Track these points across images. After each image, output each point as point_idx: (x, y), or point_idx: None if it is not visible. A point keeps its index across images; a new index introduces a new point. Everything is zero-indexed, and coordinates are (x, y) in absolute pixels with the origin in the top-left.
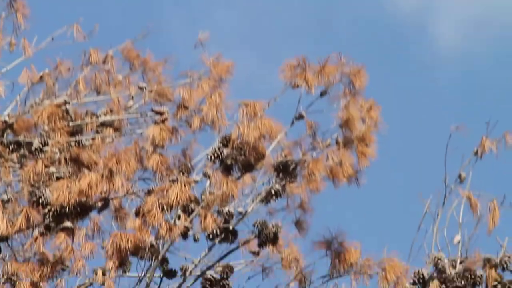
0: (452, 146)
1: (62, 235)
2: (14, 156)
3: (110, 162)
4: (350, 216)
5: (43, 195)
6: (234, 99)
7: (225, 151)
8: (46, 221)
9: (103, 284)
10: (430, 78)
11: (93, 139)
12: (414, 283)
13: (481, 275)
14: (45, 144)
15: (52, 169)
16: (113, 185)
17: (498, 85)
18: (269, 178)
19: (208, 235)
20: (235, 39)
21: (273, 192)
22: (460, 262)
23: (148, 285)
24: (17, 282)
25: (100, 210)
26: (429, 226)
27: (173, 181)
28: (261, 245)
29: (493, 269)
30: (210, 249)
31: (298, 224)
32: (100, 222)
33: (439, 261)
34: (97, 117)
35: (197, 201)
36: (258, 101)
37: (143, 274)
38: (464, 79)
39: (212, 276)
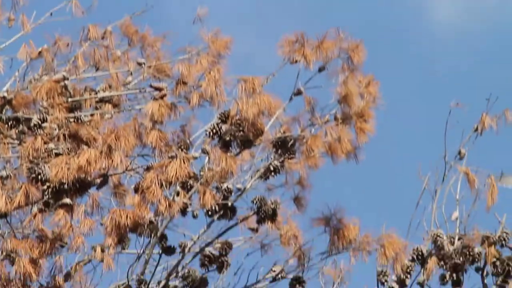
0: (452, 123)
1: (61, 212)
2: (13, 132)
3: (109, 138)
4: (348, 192)
5: (42, 171)
6: (232, 75)
7: (224, 127)
8: (45, 198)
9: (102, 261)
10: (429, 53)
11: (92, 115)
12: (412, 259)
13: (479, 252)
14: (44, 120)
15: (51, 145)
16: (112, 161)
17: (498, 63)
18: (267, 154)
19: (207, 211)
20: (234, 15)
21: (271, 168)
22: (459, 239)
23: (147, 261)
24: (16, 259)
25: (99, 186)
26: (428, 202)
27: (172, 157)
28: (260, 221)
29: (492, 246)
30: (209, 225)
31: (297, 200)
32: (99, 199)
33: (437, 238)
34: (96, 93)
35: (196, 178)
36: (257, 77)
37: (142, 251)
38: (464, 55)
39: (211, 253)
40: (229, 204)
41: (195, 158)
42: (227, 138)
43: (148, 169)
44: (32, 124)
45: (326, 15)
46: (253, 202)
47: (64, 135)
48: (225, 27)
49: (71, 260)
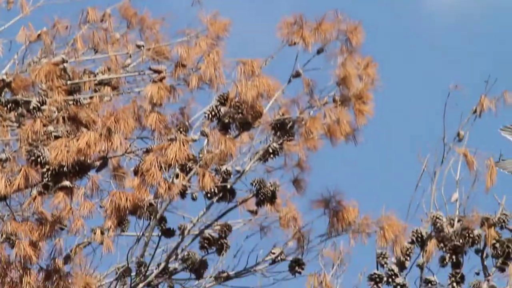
0: (451, 105)
1: (60, 195)
2: (12, 115)
3: (109, 121)
4: (348, 174)
5: (41, 154)
6: (231, 57)
7: (223, 110)
8: (45, 180)
9: (101, 243)
10: (428, 35)
11: (91, 97)
12: (412, 242)
13: (479, 234)
14: (43, 103)
15: (50, 128)
16: (111, 144)
17: (497, 44)
18: (266, 137)
19: (206, 194)
20: None
21: (270, 150)
22: (458, 221)
23: (146, 244)
24: (16, 242)
25: (99, 169)
26: (427, 184)
27: (171, 140)
28: (259, 203)
29: (491, 228)
30: (208, 208)
31: (296, 182)
32: (99, 181)
33: (437, 220)
34: (95, 75)
35: (195, 160)
36: (256, 60)
37: (141, 233)
38: (462, 36)
39: (210, 235)
40: (228, 186)
41: (194, 140)
42: (226, 121)
43: (147, 151)
44: (31, 107)
45: None
46: (252, 184)
47: (63, 117)
48: (224, 9)
49: (71, 242)
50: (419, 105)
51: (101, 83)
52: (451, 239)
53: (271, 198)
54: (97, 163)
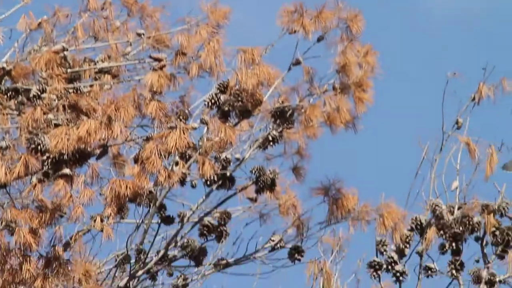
0: (450, 92)
1: (60, 182)
2: (12, 103)
3: (109, 109)
4: (347, 162)
5: (41, 142)
6: (231, 45)
7: (223, 98)
8: (45, 168)
9: (101, 230)
10: (427, 23)
11: (91, 86)
12: (411, 229)
13: (479, 222)
14: (43, 91)
15: (51, 116)
16: (111, 132)
17: (495, 31)
18: (266, 124)
19: (206, 181)
20: None
21: (270, 138)
22: (458, 209)
23: (145, 231)
24: (16, 229)
25: (99, 157)
26: (426, 172)
27: (171, 128)
28: (258, 191)
29: (491, 215)
30: (207, 195)
31: (296, 170)
32: (99, 169)
33: (436, 207)
34: (95, 63)
35: (194, 148)
36: (256, 48)
37: (140, 221)
38: (461, 25)
39: (210, 223)
40: (228, 174)
41: (194, 128)
42: (226, 109)
43: (147, 139)
44: (31, 95)
45: None
46: (252, 172)
47: (63, 105)
48: None
49: (70, 230)
50: (419, 93)
51: (101, 71)
52: (450, 227)
53: (271, 186)
54: (97, 151)
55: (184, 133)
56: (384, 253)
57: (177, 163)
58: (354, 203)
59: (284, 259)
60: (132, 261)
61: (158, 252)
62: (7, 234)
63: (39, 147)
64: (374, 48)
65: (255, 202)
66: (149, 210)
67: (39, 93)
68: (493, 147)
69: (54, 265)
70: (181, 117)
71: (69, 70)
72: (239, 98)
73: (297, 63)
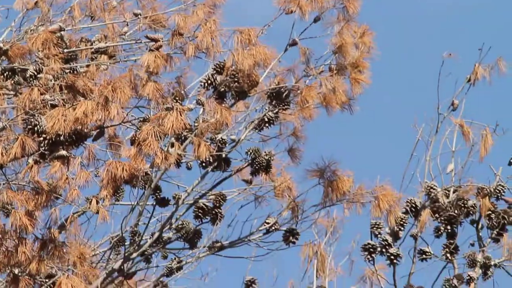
0: (445, 73)
1: (57, 164)
2: (9, 83)
3: (106, 90)
4: (343, 144)
5: (38, 123)
6: (228, 26)
7: (219, 78)
8: (41, 150)
9: (96, 212)
10: (424, 4)
11: (87, 66)
12: (406, 212)
13: (474, 205)
14: (40, 71)
15: (47, 96)
16: (108, 113)
17: (491, 12)
18: (262, 105)
19: (201, 163)
20: None
21: (266, 119)
22: (453, 191)
23: (140, 213)
24: (12, 211)
25: (95, 138)
26: (422, 154)
27: (167, 109)
28: (253, 173)
29: (486, 198)
30: (203, 177)
31: (291, 152)
32: (95, 151)
33: (431, 190)
34: (92, 43)
35: (190, 129)
36: (252, 28)
37: (135, 203)
38: (458, 7)
39: (205, 205)
40: (223, 155)
41: (190, 109)
42: (222, 89)
43: (144, 121)
44: (27, 75)
45: None
46: (247, 154)
47: (60, 86)
48: None
49: (66, 212)
50: (415, 73)
51: (98, 51)
52: (446, 210)
53: (266, 168)
54: (94, 133)
55: (181, 115)
56: (379, 235)
57: (172, 145)
58: (349, 185)
59: (278, 242)
60: (127, 243)
61: (152, 234)
62: (3, 216)
63: (35, 128)
64: (371, 29)
65: (250, 184)
66: (144, 192)
67: (35, 73)
68: (487, 129)
69: (49, 247)
70: (177, 98)
71: (65, 50)
72: (235, 79)
73: (294, 43)
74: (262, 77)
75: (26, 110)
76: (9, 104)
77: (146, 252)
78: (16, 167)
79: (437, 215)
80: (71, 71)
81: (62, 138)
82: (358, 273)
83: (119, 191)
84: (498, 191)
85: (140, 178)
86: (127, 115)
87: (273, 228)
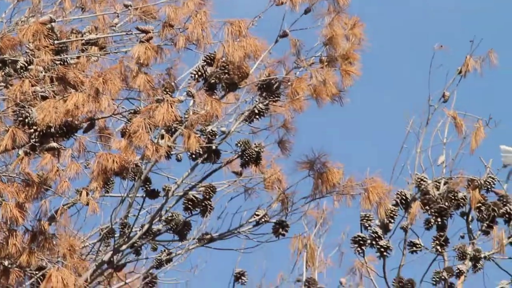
0: (436, 65)
1: (47, 156)
2: None
3: (97, 82)
4: (333, 136)
5: (29, 114)
6: (218, 17)
7: (209, 70)
8: (32, 141)
9: (86, 204)
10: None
11: (78, 57)
12: (396, 204)
13: (464, 197)
14: (30, 62)
15: (38, 88)
16: (99, 105)
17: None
18: (252, 97)
19: (191, 154)
20: None
21: (256, 111)
22: (444, 183)
23: (130, 205)
24: (2, 203)
25: (86, 130)
26: (413, 146)
27: (158, 101)
28: (243, 165)
29: (477, 190)
30: (192, 169)
31: (281, 143)
32: (86, 143)
33: (422, 182)
34: (82, 35)
35: (180, 121)
36: (243, 20)
37: (125, 194)
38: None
39: (195, 197)
40: (213, 147)
41: (180, 101)
42: (212, 81)
43: (134, 113)
44: (18, 67)
45: None
46: (237, 145)
47: (51, 77)
48: None
49: (56, 204)
50: (405, 65)
51: (89, 42)
52: (436, 202)
53: (256, 160)
54: (85, 124)
55: (171, 107)
56: (369, 228)
57: (162, 137)
58: (339, 177)
59: (268, 234)
60: (117, 235)
61: (142, 226)
62: None
63: (26, 120)
64: (361, 19)
65: (240, 176)
66: (134, 184)
67: (26, 64)
68: (480, 121)
69: (39, 240)
70: (167, 90)
71: (56, 42)
72: (226, 71)
73: (284, 35)
74: (252, 68)
75: (17, 102)
76: None
77: (135, 244)
78: (6, 159)
79: (427, 207)
80: (62, 63)
81: (53, 130)
82: (348, 265)
83: (109, 183)
84: (488, 183)
85: (130, 170)
86: (117, 107)
87: (263, 220)
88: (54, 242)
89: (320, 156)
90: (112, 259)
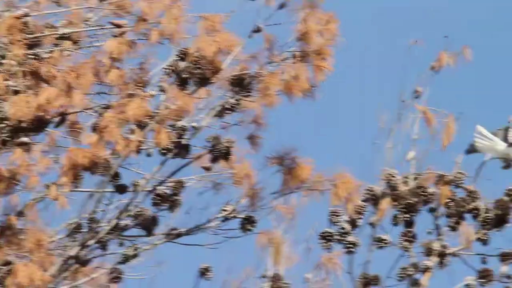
0: (410, 61)
1: (18, 151)
2: None
3: (69, 76)
4: (305, 131)
5: (1, 109)
6: (193, 12)
7: (182, 65)
8: (3, 136)
9: (55, 199)
10: None
11: (51, 51)
12: (365, 200)
13: (433, 192)
14: (3, 57)
15: (11, 82)
16: (71, 99)
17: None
18: (224, 93)
19: (161, 149)
20: None
21: (227, 106)
22: (414, 179)
23: (99, 200)
24: None
25: (57, 125)
26: (384, 142)
27: (130, 95)
28: (213, 160)
29: (445, 185)
30: (162, 164)
31: (251, 139)
32: (57, 137)
33: (391, 177)
34: (56, 29)
35: (151, 116)
36: (217, 15)
37: (94, 189)
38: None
39: (163, 192)
40: (184, 142)
41: (152, 96)
42: (184, 76)
43: (106, 107)
44: None
45: None
46: (207, 141)
47: (23, 72)
48: None
49: (25, 199)
50: (378, 61)
51: (62, 37)
52: (404, 197)
53: (226, 155)
54: (56, 119)
55: (143, 102)
56: (337, 223)
57: (133, 131)
58: (308, 173)
59: (236, 230)
60: (84, 230)
61: (109, 221)
62: None
63: None
64: (336, 17)
65: (209, 171)
66: (103, 179)
67: None
68: (451, 117)
69: (7, 234)
70: (139, 85)
71: (30, 36)
72: (198, 66)
73: (258, 30)
74: (225, 63)
75: None
76: None
77: (102, 239)
78: None
79: (396, 203)
80: (35, 57)
81: (24, 124)
82: (315, 261)
83: (78, 178)
84: (457, 179)
85: (100, 165)
86: (89, 101)
87: (231, 215)
88: (22, 237)
89: (289, 151)
90: (78, 254)
